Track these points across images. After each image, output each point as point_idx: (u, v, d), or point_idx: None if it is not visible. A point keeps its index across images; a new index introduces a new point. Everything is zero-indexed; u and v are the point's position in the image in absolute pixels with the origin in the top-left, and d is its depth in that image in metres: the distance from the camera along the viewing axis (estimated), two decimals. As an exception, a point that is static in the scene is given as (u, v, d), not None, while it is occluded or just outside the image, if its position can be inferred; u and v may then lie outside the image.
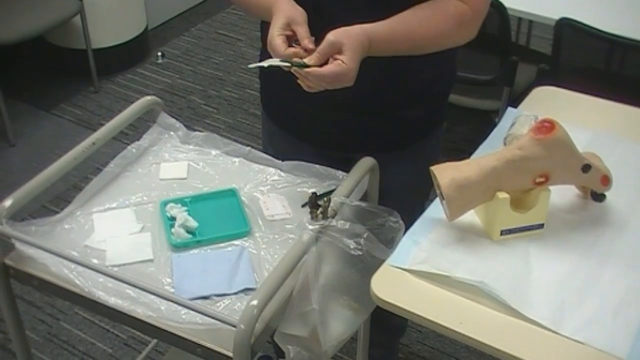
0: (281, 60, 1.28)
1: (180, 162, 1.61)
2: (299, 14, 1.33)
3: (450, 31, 1.41)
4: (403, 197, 1.51)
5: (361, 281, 1.29)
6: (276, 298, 1.23)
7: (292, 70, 1.29)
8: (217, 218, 1.46)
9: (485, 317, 1.16)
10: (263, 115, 1.77)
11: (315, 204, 1.32)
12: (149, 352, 2.20)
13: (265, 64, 1.30)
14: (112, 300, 1.28)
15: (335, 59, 1.27)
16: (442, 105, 1.70)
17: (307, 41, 1.31)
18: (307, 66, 1.27)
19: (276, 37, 1.30)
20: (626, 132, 1.54)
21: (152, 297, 1.26)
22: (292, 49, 1.30)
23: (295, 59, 1.27)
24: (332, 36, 1.28)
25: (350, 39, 1.28)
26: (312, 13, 1.35)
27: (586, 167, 1.28)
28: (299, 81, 1.31)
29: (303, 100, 1.38)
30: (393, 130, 1.61)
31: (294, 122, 1.66)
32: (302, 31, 1.31)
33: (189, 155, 1.63)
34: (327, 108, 1.48)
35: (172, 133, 1.69)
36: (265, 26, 1.42)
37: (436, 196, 1.34)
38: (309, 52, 1.30)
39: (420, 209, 1.75)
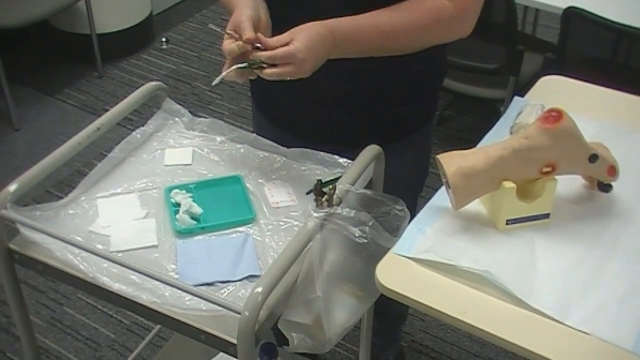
0: (238, 66, 1.32)
1: (185, 148, 1.61)
2: (244, 15, 1.34)
3: (427, 25, 1.38)
4: (393, 192, 1.50)
5: (366, 269, 1.29)
6: (281, 285, 1.22)
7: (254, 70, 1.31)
8: (222, 205, 1.46)
9: (490, 307, 1.16)
10: (252, 105, 1.76)
11: (321, 191, 1.32)
12: (153, 338, 2.20)
13: (224, 74, 1.33)
14: (117, 286, 1.28)
15: None
16: (432, 101, 1.68)
17: (247, 37, 1.34)
18: (264, 64, 1.30)
19: (225, 40, 1.35)
20: (634, 122, 1.54)
21: (157, 283, 1.26)
22: (235, 44, 1.33)
23: (252, 58, 1.30)
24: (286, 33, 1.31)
25: (303, 29, 1.30)
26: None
27: (593, 158, 1.28)
28: (259, 74, 1.31)
29: (288, 93, 1.37)
30: (380, 126, 1.59)
31: (280, 115, 1.65)
32: (244, 30, 1.34)
33: (194, 141, 1.63)
34: (312, 102, 1.46)
35: (177, 119, 1.68)
36: None
37: (440, 186, 1.33)
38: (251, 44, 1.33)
39: (414, 203, 1.74)
